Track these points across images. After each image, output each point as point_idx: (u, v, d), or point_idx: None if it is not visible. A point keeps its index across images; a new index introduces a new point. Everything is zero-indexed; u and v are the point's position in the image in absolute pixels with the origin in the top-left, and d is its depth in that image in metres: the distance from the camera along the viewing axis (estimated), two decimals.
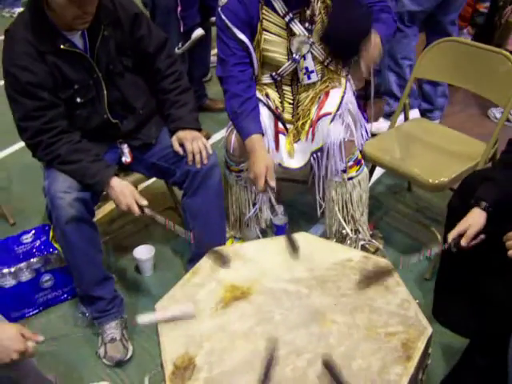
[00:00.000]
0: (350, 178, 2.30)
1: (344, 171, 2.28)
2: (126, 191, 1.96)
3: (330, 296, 1.56)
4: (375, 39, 2.11)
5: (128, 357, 2.10)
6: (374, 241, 2.50)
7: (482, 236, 1.66)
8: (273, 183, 2.13)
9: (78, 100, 2.01)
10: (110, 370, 2.08)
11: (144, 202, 1.97)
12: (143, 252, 2.45)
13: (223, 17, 2.13)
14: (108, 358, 2.08)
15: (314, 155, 2.26)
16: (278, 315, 1.51)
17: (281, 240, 1.80)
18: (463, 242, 1.64)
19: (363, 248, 2.44)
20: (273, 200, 2.21)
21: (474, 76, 2.44)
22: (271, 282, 1.62)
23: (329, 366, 1.33)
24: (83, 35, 1.97)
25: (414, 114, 3.39)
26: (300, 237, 1.80)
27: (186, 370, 1.38)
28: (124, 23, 2.04)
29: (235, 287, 1.61)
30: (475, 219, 1.65)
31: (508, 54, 2.33)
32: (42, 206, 2.87)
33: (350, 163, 2.28)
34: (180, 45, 3.52)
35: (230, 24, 2.12)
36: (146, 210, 1.98)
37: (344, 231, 2.44)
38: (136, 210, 1.96)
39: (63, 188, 1.94)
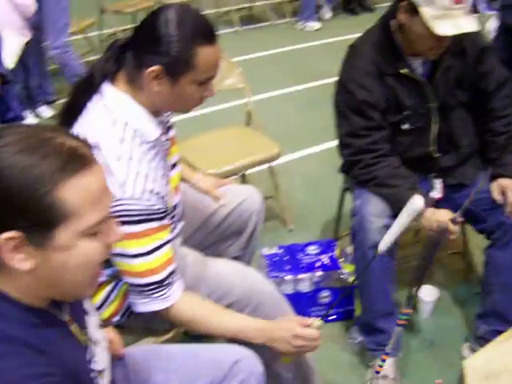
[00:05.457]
0: None
1: None
2: (439, 215, 1.84)
3: None
4: None
5: None
6: None
7: None
8: None
9: (405, 127, 1.96)
10: None
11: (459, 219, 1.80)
12: (427, 293, 2.32)
13: None
14: None
15: None
16: None
17: None
18: None
19: None
20: None
21: None
22: None
23: None
24: (424, 62, 1.92)
25: None
26: None
27: None
28: (469, 55, 1.95)
29: None
30: None
31: None
32: (322, 217, 2.94)
33: None
34: None
35: None
36: (458, 218, 1.80)
37: None
38: (451, 226, 1.79)
39: (375, 212, 1.90)
